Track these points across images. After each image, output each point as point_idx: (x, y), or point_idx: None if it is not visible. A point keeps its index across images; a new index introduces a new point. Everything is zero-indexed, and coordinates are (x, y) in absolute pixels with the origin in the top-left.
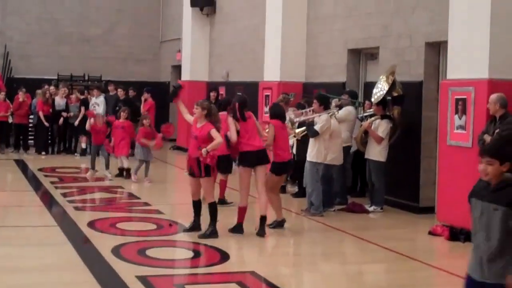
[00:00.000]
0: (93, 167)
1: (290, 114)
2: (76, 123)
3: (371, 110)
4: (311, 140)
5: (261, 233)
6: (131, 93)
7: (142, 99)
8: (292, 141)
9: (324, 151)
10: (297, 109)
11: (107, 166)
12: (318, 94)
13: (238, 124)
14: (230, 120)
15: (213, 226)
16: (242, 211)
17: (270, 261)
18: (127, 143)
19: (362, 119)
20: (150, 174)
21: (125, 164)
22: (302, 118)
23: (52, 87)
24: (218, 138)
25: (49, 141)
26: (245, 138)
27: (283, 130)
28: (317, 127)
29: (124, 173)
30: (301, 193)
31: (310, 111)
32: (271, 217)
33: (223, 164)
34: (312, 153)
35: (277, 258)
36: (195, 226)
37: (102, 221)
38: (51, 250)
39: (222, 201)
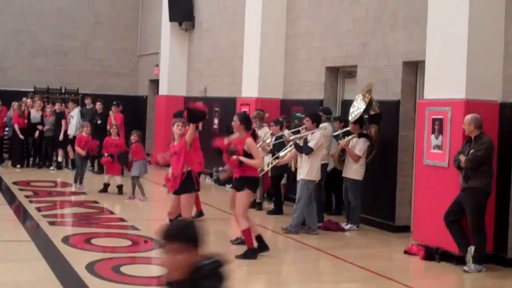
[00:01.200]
0: (78, 181)
1: (263, 131)
2: (61, 137)
3: (347, 128)
4: (304, 158)
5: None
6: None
7: (111, 113)
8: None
9: (317, 169)
10: (275, 125)
11: (81, 181)
12: (310, 112)
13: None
14: (252, 142)
15: None
16: (247, 234)
17: (246, 279)
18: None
19: (339, 138)
20: (128, 190)
21: (118, 181)
22: (293, 137)
23: (29, 100)
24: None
25: (25, 154)
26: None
27: None
28: (311, 144)
29: (108, 189)
30: (275, 211)
31: (302, 129)
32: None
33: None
34: (305, 171)
35: (252, 276)
36: None
37: (77, 236)
38: (25, 266)
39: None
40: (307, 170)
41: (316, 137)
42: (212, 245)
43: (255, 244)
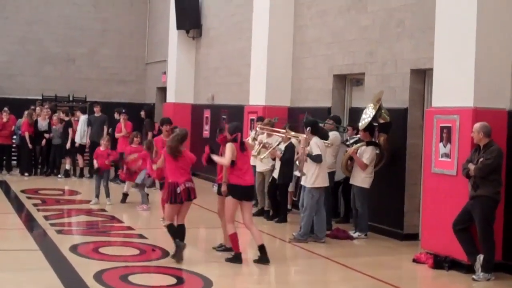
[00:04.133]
0: (97, 195)
1: (273, 138)
2: (68, 145)
3: (357, 136)
4: (309, 166)
5: (263, 260)
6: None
7: (122, 121)
8: (269, 164)
9: (320, 176)
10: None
11: (107, 194)
12: (305, 120)
13: (236, 153)
14: (229, 146)
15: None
16: (233, 238)
17: None
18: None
19: (348, 145)
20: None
21: (125, 189)
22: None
23: (38, 108)
24: None
25: (33, 162)
26: (240, 170)
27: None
28: (316, 152)
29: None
30: (281, 219)
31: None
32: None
33: None
34: (309, 179)
35: (260, 286)
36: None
37: (85, 245)
38: (32, 275)
39: None
40: (309, 178)
41: (313, 145)
42: (222, 254)
43: (240, 248)
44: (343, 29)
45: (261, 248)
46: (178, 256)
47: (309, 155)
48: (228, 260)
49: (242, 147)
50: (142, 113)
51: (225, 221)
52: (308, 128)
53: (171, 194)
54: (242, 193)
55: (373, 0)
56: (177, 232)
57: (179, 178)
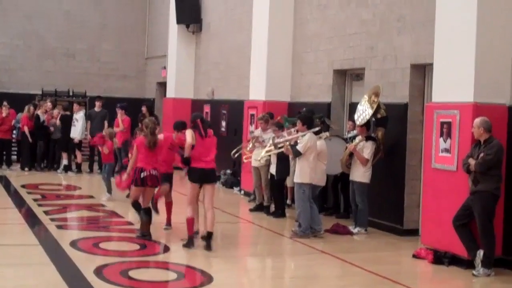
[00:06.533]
0: (109, 191)
1: (269, 134)
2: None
3: (354, 131)
4: (297, 161)
5: (207, 248)
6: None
7: (119, 116)
8: (265, 159)
9: (309, 171)
10: (277, 128)
11: (108, 190)
12: (300, 115)
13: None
14: (188, 131)
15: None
16: (189, 223)
17: (253, 284)
18: None
19: (347, 141)
20: None
21: None
22: (285, 139)
23: (42, 102)
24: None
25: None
26: (199, 154)
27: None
28: (299, 147)
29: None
30: (278, 213)
31: (294, 131)
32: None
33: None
34: (297, 174)
35: (260, 280)
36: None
37: (85, 240)
38: (32, 270)
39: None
40: (298, 173)
41: (304, 139)
42: (220, 248)
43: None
44: (343, 23)
45: (209, 235)
46: (142, 227)
47: (292, 145)
48: (185, 245)
49: (202, 133)
50: (144, 109)
51: (208, 208)
52: (301, 122)
53: (137, 177)
54: (200, 176)
55: None
56: (139, 207)
57: (147, 165)
